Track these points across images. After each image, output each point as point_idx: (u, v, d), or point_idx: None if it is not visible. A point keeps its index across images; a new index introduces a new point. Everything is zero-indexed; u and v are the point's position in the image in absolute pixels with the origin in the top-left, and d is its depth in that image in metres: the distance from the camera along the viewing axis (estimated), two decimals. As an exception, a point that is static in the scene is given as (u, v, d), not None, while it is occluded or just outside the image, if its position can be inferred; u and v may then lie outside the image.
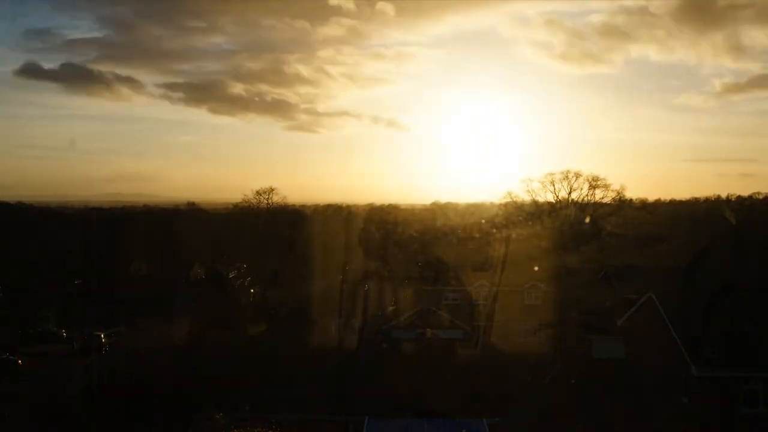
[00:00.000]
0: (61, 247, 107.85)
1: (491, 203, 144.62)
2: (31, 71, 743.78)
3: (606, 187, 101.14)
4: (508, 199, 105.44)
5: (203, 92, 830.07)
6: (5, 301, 70.95)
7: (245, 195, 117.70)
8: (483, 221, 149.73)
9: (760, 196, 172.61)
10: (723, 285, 42.63)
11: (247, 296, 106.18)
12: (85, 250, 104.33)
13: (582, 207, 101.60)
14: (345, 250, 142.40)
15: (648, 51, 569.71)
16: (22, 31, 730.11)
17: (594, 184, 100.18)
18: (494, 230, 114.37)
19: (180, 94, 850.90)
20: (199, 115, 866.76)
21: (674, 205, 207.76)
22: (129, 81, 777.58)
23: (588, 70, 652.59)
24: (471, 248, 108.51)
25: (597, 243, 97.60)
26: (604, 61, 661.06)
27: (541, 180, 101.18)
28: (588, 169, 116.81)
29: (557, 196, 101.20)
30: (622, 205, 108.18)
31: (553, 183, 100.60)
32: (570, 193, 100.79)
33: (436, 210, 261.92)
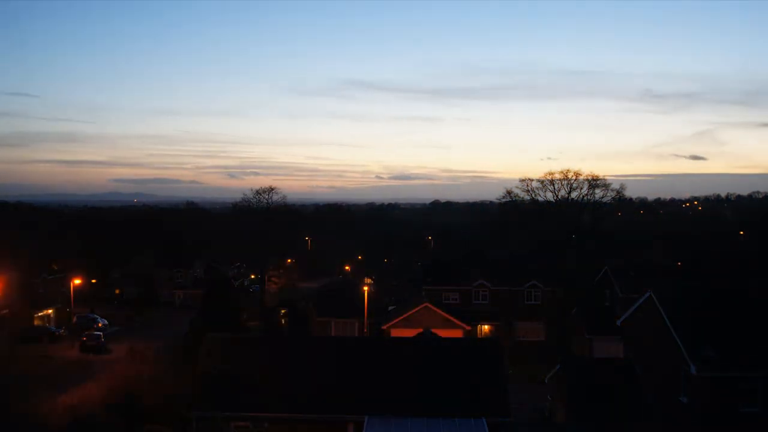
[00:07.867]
0: (61, 247, 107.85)
1: (491, 202, 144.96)
2: None
3: (606, 186, 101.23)
4: (508, 199, 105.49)
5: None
6: (5, 301, 70.81)
7: (245, 195, 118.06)
8: (485, 221, 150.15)
9: (760, 196, 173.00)
10: (723, 285, 42.73)
11: (247, 295, 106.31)
12: (85, 250, 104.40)
13: (582, 207, 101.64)
14: (345, 249, 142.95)
15: None
16: None
17: (594, 183, 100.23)
18: (494, 230, 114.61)
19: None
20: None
21: (674, 205, 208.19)
22: None
23: None
24: (470, 248, 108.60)
25: (597, 243, 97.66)
26: None
27: (540, 179, 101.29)
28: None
29: (557, 196, 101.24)
30: (621, 204, 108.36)
31: (552, 183, 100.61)
32: (570, 193, 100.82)
33: (438, 209, 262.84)
